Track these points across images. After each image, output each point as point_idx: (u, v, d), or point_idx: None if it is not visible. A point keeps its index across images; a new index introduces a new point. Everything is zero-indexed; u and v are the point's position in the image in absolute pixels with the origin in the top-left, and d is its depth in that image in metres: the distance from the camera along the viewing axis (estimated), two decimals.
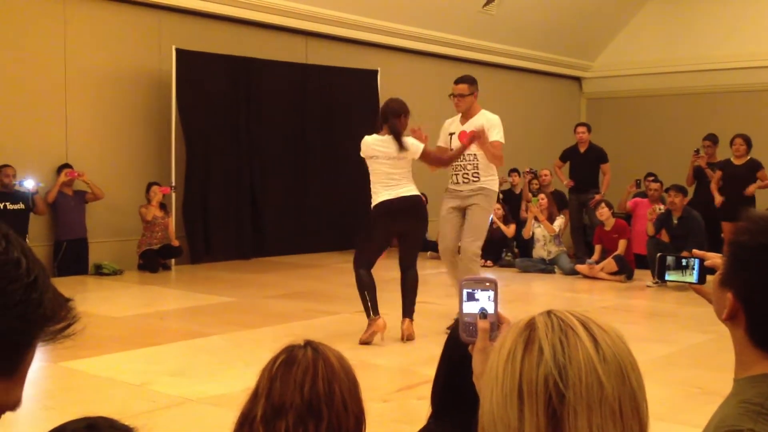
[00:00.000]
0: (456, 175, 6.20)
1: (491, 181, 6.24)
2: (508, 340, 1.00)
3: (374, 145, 5.76)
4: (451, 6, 12.17)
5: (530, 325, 1.00)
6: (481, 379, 1.45)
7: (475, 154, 6.11)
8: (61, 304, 0.86)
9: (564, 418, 0.93)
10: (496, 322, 1.44)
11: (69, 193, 8.76)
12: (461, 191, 6.18)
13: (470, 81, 6.23)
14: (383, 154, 5.72)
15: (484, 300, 1.44)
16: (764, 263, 1.31)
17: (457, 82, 6.25)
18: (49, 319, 0.84)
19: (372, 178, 5.82)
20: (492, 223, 10.30)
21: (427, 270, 9.88)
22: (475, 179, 6.15)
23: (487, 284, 1.45)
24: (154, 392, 4.45)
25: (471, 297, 1.44)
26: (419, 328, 6.19)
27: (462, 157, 6.11)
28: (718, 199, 9.33)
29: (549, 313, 1.01)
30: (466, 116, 6.24)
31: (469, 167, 6.15)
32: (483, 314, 1.43)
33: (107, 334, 5.64)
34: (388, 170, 5.72)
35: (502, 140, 6.17)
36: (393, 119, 5.74)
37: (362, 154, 5.83)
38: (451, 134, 6.24)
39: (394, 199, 5.72)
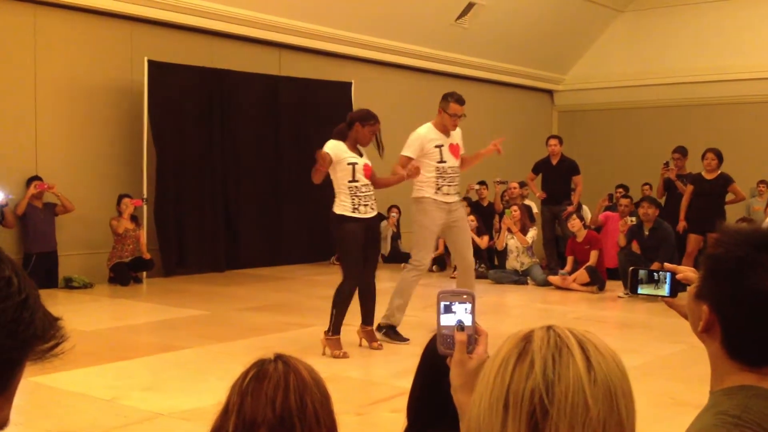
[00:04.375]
0: (449, 186, 6.29)
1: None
2: (503, 349, 1.00)
3: None
4: (424, 19, 12.23)
5: (527, 338, 1.00)
6: (458, 391, 1.44)
7: (456, 167, 6.33)
8: (51, 323, 0.87)
9: None
10: (474, 335, 1.44)
11: (39, 206, 8.66)
12: (451, 203, 6.31)
13: None
14: None
15: (461, 312, 1.44)
16: (740, 276, 1.32)
17: (464, 103, 6.37)
18: (39, 338, 0.84)
19: None
20: None
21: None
22: (457, 190, 6.41)
23: (465, 297, 1.45)
24: (126, 407, 4.39)
25: (448, 309, 1.44)
26: (392, 341, 6.19)
27: (455, 170, 6.32)
28: (682, 225, 9.40)
29: (549, 328, 1.00)
30: (448, 131, 6.34)
31: (456, 179, 6.36)
32: (460, 326, 1.43)
33: (77, 348, 5.47)
34: None
35: None
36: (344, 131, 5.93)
37: None
38: (439, 146, 6.26)
39: None
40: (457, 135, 6.37)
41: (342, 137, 5.84)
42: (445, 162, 6.23)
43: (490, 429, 0.96)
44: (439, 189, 6.24)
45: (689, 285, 1.61)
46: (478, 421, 0.98)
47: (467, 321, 1.43)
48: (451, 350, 1.44)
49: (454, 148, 6.31)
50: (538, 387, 0.94)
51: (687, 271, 1.73)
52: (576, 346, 0.97)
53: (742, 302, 1.32)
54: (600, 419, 0.94)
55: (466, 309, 1.44)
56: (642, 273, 1.85)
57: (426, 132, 6.29)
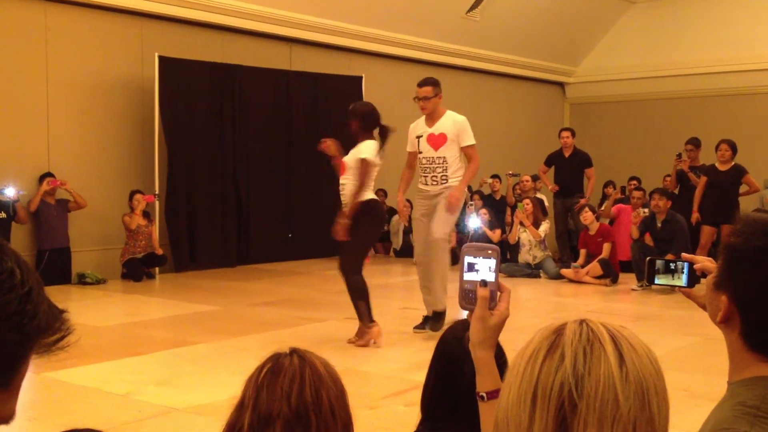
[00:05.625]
0: (425, 177, 6.29)
1: (457, 179, 6.30)
2: (534, 341, 0.99)
3: None
4: (435, 12, 12.20)
5: (559, 331, 0.98)
6: (477, 347, 1.44)
7: (444, 158, 6.18)
8: (55, 315, 0.86)
9: (573, 427, 0.92)
10: (496, 291, 1.43)
11: (51, 202, 8.69)
12: (429, 191, 6.27)
13: (434, 83, 6.25)
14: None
15: (485, 269, 1.43)
16: (759, 266, 1.31)
17: (421, 84, 6.26)
18: (43, 330, 0.84)
19: None
20: (479, 228, 10.34)
21: (413, 276, 9.88)
22: (443, 181, 6.23)
23: (489, 252, 1.44)
24: (140, 402, 4.41)
25: (472, 266, 1.43)
26: (404, 334, 6.19)
27: (431, 160, 6.21)
28: (695, 216, 9.35)
29: (582, 321, 0.98)
30: (432, 118, 6.25)
31: (438, 170, 6.22)
32: (483, 282, 1.42)
33: (91, 343, 5.59)
34: None
35: (473, 141, 6.25)
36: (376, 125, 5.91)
37: None
38: (419, 137, 6.28)
39: None
40: (443, 125, 6.18)
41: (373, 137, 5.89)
42: (421, 153, 6.25)
43: (518, 421, 0.95)
44: (420, 178, 6.34)
45: (706, 275, 1.59)
46: (506, 413, 0.97)
47: (490, 277, 1.42)
48: (473, 305, 1.43)
49: (432, 138, 6.18)
50: (568, 380, 0.92)
51: (705, 262, 1.71)
52: (609, 341, 0.95)
53: (761, 292, 1.31)
54: (630, 416, 0.92)
55: (490, 266, 1.43)
56: (659, 263, 1.83)
57: (413, 125, 6.36)
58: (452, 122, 6.18)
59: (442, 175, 6.20)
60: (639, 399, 0.93)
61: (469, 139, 6.20)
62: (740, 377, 1.35)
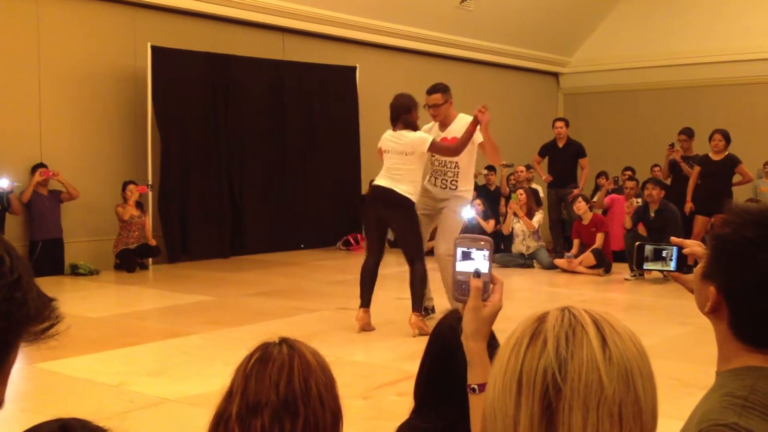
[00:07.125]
0: (435, 179, 6.21)
1: (467, 191, 6.25)
2: (518, 330, 0.99)
3: (388, 140, 5.92)
4: (428, 2, 12.17)
5: (541, 318, 0.99)
6: (470, 338, 1.44)
7: (456, 162, 6.10)
8: (44, 303, 0.85)
9: (558, 411, 0.92)
10: (489, 282, 1.43)
11: (44, 193, 8.66)
12: (436, 195, 6.20)
13: (443, 89, 6.11)
14: (393, 148, 5.86)
15: (478, 260, 1.43)
16: (747, 257, 1.30)
17: (430, 92, 6.11)
18: (32, 318, 0.83)
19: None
20: (473, 218, 10.35)
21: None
22: (452, 187, 6.16)
23: (482, 243, 1.44)
24: (132, 392, 4.40)
25: (466, 256, 1.43)
26: (397, 324, 6.19)
27: (443, 163, 6.12)
28: (689, 206, 9.36)
29: (564, 308, 0.99)
30: (444, 123, 6.18)
31: (449, 174, 6.15)
32: (477, 273, 1.42)
33: (84, 334, 5.58)
34: (394, 165, 5.84)
35: None
36: (404, 115, 5.85)
37: (380, 146, 6.04)
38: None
39: (376, 185, 5.88)
40: (456, 130, 6.05)
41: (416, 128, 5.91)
42: (434, 156, 6.14)
43: (505, 410, 0.95)
44: (428, 179, 6.26)
45: (696, 260, 1.59)
46: (492, 404, 0.97)
47: (484, 268, 1.42)
48: (466, 297, 1.43)
49: (445, 143, 6.09)
50: (551, 365, 0.93)
51: (694, 246, 1.71)
52: (591, 325, 0.95)
53: (750, 283, 1.30)
54: (615, 398, 0.92)
55: (483, 256, 1.43)
56: (648, 249, 1.83)
57: (426, 127, 6.22)
58: (465, 125, 6.00)
59: (452, 180, 6.13)
60: (623, 381, 0.93)
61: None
62: (728, 367, 1.35)
